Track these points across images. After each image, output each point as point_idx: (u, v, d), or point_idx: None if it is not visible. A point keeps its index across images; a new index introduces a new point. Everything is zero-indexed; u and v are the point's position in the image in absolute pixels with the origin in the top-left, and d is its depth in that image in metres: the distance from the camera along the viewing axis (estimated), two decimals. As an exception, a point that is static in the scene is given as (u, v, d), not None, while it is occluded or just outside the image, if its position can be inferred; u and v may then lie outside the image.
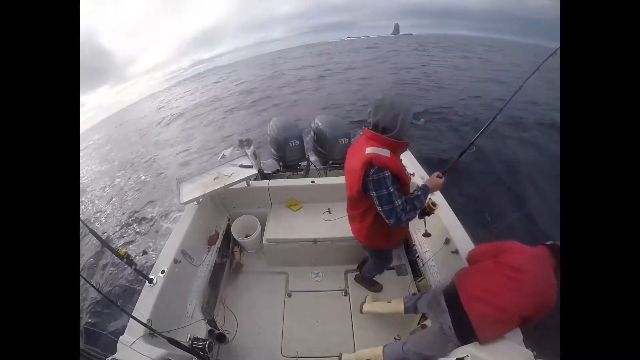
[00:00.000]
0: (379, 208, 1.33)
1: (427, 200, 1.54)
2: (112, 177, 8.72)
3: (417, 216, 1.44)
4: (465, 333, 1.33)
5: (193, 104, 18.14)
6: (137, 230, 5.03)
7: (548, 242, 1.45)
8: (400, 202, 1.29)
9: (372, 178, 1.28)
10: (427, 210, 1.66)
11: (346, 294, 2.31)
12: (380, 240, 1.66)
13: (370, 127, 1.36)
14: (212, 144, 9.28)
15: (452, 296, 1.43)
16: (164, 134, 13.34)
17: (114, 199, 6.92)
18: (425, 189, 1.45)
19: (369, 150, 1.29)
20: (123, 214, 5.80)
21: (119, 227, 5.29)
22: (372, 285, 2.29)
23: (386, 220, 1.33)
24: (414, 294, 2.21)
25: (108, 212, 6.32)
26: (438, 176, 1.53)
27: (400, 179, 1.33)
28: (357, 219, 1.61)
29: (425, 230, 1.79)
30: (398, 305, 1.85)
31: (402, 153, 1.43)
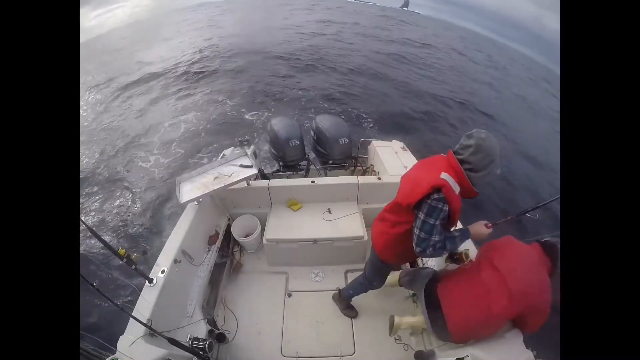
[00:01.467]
0: (415, 230, 1.26)
1: (463, 248, 1.47)
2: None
3: (443, 256, 1.38)
4: (442, 333, 1.40)
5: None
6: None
7: (543, 239, 1.42)
8: (437, 239, 1.23)
9: (430, 202, 1.20)
10: (456, 257, 1.55)
11: None
12: (393, 254, 1.58)
13: (458, 158, 1.25)
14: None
15: (432, 297, 1.46)
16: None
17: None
18: (466, 234, 1.36)
19: (444, 175, 1.21)
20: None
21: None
22: (347, 309, 2.15)
23: (413, 244, 1.28)
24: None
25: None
26: (486, 225, 1.39)
27: (452, 218, 1.28)
28: (388, 223, 1.50)
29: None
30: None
31: (465, 198, 1.31)
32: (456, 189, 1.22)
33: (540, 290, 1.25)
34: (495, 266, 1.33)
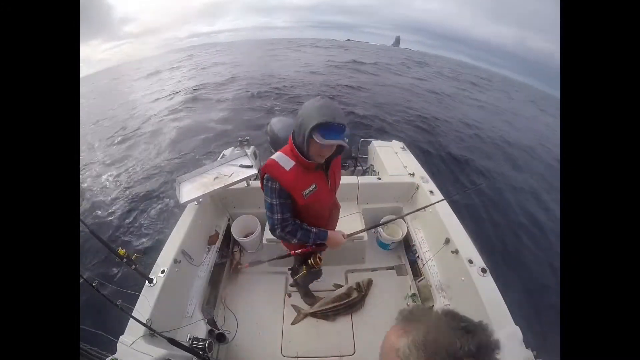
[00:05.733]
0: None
1: (317, 254, 1.51)
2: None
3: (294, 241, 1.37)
4: None
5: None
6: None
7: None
8: (279, 217, 1.27)
9: (265, 184, 1.27)
10: (310, 263, 1.53)
11: None
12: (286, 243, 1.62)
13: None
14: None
15: None
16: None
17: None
18: (323, 235, 1.38)
19: (274, 156, 1.26)
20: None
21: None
22: (306, 297, 2.21)
23: None
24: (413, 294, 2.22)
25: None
26: (343, 235, 1.46)
27: (293, 195, 1.26)
28: None
29: None
30: None
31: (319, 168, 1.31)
32: (288, 163, 1.22)
33: None
34: None
